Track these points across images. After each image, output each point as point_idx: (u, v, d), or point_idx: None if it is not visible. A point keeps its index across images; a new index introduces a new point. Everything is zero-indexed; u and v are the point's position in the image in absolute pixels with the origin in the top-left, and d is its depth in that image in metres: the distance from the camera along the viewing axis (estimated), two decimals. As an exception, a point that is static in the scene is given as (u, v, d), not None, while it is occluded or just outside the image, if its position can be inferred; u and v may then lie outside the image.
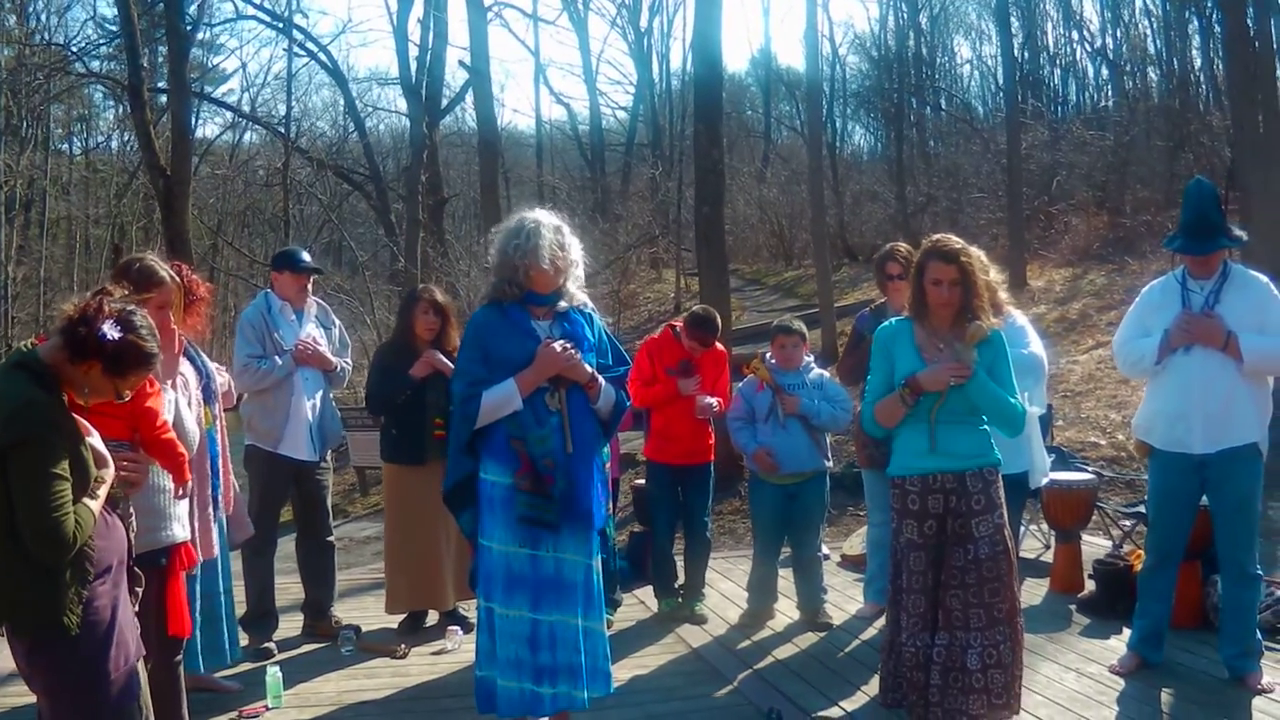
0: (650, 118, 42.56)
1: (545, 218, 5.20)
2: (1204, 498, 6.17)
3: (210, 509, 5.76)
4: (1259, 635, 6.15)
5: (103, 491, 3.77)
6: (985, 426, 5.27)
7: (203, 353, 6.04)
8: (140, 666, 3.91)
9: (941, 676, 5.09)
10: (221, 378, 6.29)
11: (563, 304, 5.22)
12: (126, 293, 3.91)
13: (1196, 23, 30.45)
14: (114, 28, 30.24)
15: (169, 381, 4.91)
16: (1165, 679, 6.15)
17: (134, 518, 4.18)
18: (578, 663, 5.04)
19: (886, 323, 5.56)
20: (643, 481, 9.04)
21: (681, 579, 8.02)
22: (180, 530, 4.82)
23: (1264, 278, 6.14)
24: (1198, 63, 31.72)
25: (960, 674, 5.08)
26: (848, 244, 31.58)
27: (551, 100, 76.43)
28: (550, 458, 4.98)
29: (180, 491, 4.66)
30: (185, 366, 5.59)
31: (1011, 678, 5.17)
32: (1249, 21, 16.70)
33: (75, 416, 3.71)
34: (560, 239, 5.13)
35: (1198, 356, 5.92)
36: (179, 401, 4.95)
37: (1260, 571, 6.16)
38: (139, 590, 4.13)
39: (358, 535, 14.42)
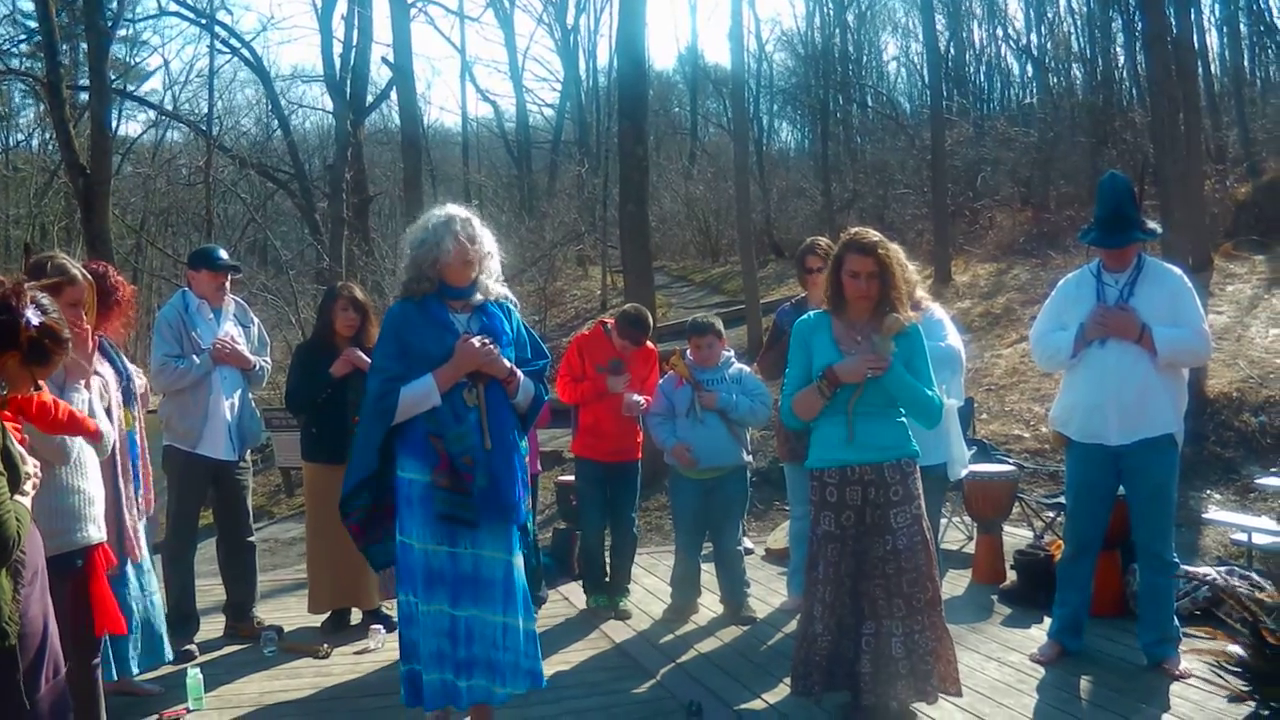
0: (577, 115, 42.50)
1: (454, 210, 5.16)
2: (1121, 488, 6.25)
3: (134, 511, 5.69)
4: (1176, 622, 6.25)
5: (30, 488, 3.67)
6: (903, 418, 5.31)
7: (122, 354, 5.97)
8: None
9: (872, 664, 5.15)
10: (140, 380, 6.22)
11: (479, 296, 5.18)
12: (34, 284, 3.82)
13: (1120, 21, 30.81)
14: (33, 24, 29.83)
15: (82, 381, 4.85)
16: (1085, 666, 6.24)
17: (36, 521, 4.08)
18: (496, 658, 5.00)
19: (805, 316, 5.58)
20: (569, 478, 9.02)
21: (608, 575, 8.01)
22: (96, 531, 4.71)
23: (1177, 270, 6.24)
24: (1121, 60, 32.16)
25: (888, 661, 5.13)
26: (774, 240, 31.62)
27: (478, 98, 76.04)
28: (469, 454, 4.95)
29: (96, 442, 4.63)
30: (104, 368, 5.52)
31: (939, 660, 5.23)
32: (1169, 20, 16.92)
33: None
34: (469, 231, 5.08)
35: (1113, 349, 5.99)
36: (94, 403, 4.89)
37: (1177, 560, 6.25)
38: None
39: (283, 536, 14.31)
